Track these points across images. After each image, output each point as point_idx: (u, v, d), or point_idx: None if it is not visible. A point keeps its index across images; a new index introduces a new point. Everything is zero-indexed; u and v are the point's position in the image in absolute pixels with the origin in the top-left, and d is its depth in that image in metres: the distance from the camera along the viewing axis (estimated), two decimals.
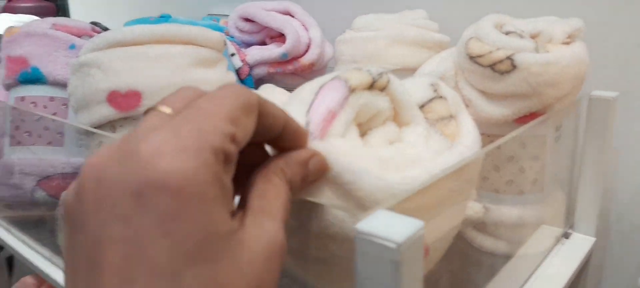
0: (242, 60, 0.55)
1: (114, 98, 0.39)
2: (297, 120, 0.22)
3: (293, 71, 0.56)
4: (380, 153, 0.24)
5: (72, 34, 0.54)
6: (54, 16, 1.45)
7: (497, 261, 0.41)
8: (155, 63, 0.40)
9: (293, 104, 0.25)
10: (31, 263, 0.46)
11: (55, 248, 0.45)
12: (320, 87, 0.25)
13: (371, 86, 0.27)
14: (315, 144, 0.22)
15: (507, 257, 0.41)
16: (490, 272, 0.40)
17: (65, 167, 0.50)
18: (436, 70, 0.44)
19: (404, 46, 0.49)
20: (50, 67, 0.52)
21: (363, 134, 0.27)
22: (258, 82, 0.57)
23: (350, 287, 0.26)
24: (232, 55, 0.55)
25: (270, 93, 0.46)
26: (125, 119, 0.40)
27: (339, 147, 0.22)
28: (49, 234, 0.48)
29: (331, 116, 0.24)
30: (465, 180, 0.28)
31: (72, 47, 0.53)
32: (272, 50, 0.55)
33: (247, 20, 0.59)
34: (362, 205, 0.22)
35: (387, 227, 0.19)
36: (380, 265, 0.19)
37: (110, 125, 0.40)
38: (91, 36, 0.55)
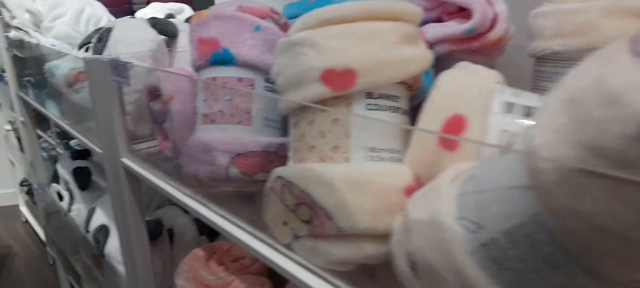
0: (421, 38, 0.53)
1: (329, 76, 0.39)
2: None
3: (477, 48, 0.53)
4: None
5: (256, 16, 0.55)
6: (191, 4, 1.54)
7: None
8: (368, 40, 0.39)
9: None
10: (232, 236, 0.48)
11: (256, 223, 0.47)
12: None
13: None
14: None
15: None
16: None
17: (254, 146, 0.52)
18: None
19: (622, 17, 0.43)
20: (238, 48, 0.54)
21: None
22: (437, 61, 0.54)
23: None
24: None
25: (470, 71, 0.43)
26: (336, 98, 0.40)
27: None
28: (245, 208, 0.50)
29: None
30: None
31: (257, 28, 0.54)
32: (456, 27, 0.52)
33: None
34: None
35: None
36: None
37: (321, 104, 0.40)
38: (273, 18, 0.56)
